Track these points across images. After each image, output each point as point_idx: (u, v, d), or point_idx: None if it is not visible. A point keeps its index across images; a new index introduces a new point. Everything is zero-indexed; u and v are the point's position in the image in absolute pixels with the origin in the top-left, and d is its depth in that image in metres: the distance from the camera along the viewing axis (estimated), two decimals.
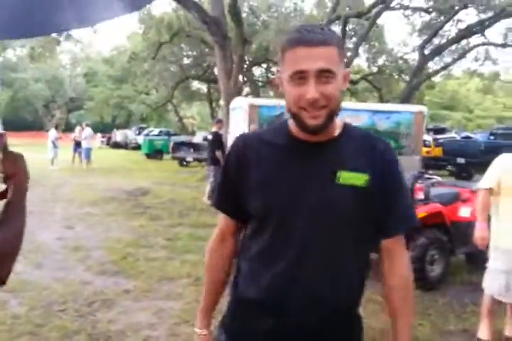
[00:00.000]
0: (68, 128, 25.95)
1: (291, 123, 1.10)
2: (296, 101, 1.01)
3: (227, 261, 1.24)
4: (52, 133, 13.98)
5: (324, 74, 0.98)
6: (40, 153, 14.05)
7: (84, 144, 13.82)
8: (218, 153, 8.36)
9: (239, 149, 1.15)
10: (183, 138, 20.68)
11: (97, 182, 10.62)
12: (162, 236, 5.77)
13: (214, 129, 9.09)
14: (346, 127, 1.12)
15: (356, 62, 20.81)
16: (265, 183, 1.07)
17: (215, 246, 1.24)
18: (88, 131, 14.14)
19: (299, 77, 0.99)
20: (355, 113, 11.16)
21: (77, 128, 14.96)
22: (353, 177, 1.05)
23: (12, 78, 34.91)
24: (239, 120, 12.06)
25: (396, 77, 21.89)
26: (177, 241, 5.52)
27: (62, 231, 5.82)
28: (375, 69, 22.39)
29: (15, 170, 1.06)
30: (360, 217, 1.07)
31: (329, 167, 1.06)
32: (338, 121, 1.10)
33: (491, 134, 14.07)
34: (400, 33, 52.65)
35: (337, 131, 1.10)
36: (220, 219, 1.24)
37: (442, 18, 17.37)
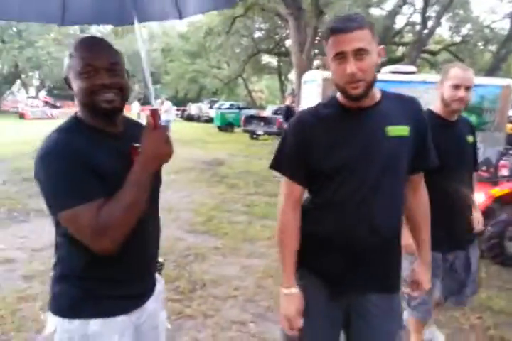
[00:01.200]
0: (145, 101, 27.42)
1: (338, 96, 1.37)
2: (340, 77, 1.28)
3: (299, 222, 1.41)
4: (136, 106, 14.94)
5: (360, 53, 1.24)
6: None
7: (164, 117, 14.62)
8: (285, 125, 8.54)
9: (300, 126, 1.37)
10: (253, 111, 21.03)
11: (178, 152, 11.07)
12: (241, 202, 6.20)
13: (287, 103, 9.25)
14: (383, 93, 1.40)
15: (438, 31, 19.53)
16: (333, 146, 1.33)
17: (291, 213, 1.40)
18: (168, 104, 14.91)
19: (340, 57, 1.25)
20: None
21: (157, 101, 15.81)
22: (398, 130, 1.34)
23: None
24: (311, 94, 12.06)
25: (481, 47, 20.28)
26: (255, 208, 5.91)
27: None
28: (458, 39, 20.87)
29: (143, 146, 1.11)
30: (406, 160, 1.37)
31: (378, 125, 1.34)
32: (377, 89, 1.36)
33: None
34: (488, 0, 47.74)
35: (378, 97, 1.37)
36: (289, 188, 1.40)
37: None
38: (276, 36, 22.89)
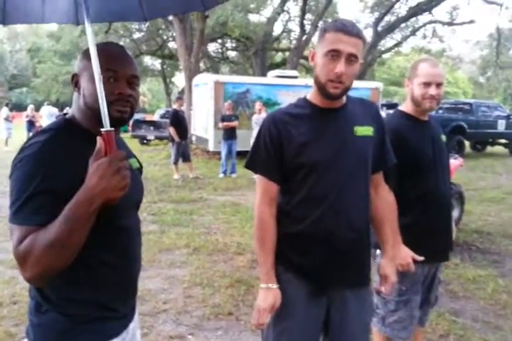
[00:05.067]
0: (14, 107, 24.35)
1: (310, 97, 1.44)
2: (326, 73, 1.33)
3: (275, 218, 1.44)
4: (5, 111, 13.25)
5: (351, 58, 1.32)
6: None
7: (45, 123, 13.24)
8: (172, 130, 8.43)
9: (273, 125, 1.40)
10: (140, 115, 20.21)
11: None
12: (147, 211, 5.91)
13: (175, 106, 9.03)
14: (347, 96, 1.46)
15: (314, 39, 21.06)
16: (307, 143, 1.37)
17: (267, 209, 1.43)
18: (50, 109, 13.51)
19: (333, 54, 1.31)
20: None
21: (30, 107, 14.27)
22: (365, 130, 1.43)
23: None
24: (203, 97, 12.06)
25: None
26: (163, 216, 5.70)
27: None
28: None
29: (87, 177, 0.92)
30: (370, 159, 1.44)
31: (348, 124, 1.41)
32: None
33: (439, 108, 15.01)
34: (352, 10, 53.22)
35: (344, 99, 1.44)
36: (264, 186, 1.44)
37: None
38: (159, 38, 22.34)
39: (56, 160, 0.98)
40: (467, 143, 14.19)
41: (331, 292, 1.43)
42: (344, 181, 1.38)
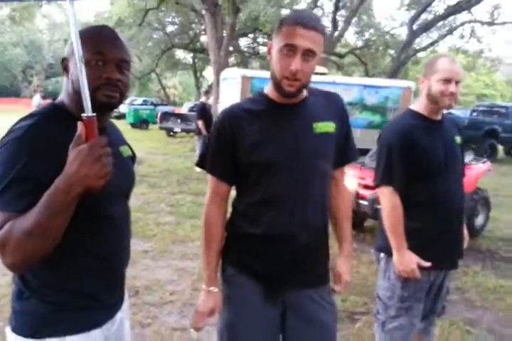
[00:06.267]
0: (47, 95, 25.14)
1: (268, 91, 1.35)
2: (281, 70, 1.24)
3: (224, 220, 1.39)
4: (37, 99, 13.67)
5: (308, 54, 1.22)
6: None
7: None
8: (200, 123, 8.47)
9: (227, 120, 1.33)
10: (168, 108, 20.49)
11: None
12: (165, 202, 5.96)
13: (202, 100, 9.07)
14: (309, 89, 1.36)
15: (346, 35, 20.71)
16: (261, 141, 1.29)
17: (216, 209, 1.37)
18: None
19: (289, 49, 1.21)
20: (347, 87, 11.33)
21: None
22: (325, 126, 1.33)
23: None
24: (230, 91, 12.04)
25: (382, 51, 21.95)
26: (181, 207, 5.73)
27: None
28: (361, 43, 22.34)
29: (67, 163, 0.88)
30: (331, 156, 1.37)
31: (306, 121, 1.32)
32: None
33: (473, 111, 14.49)
34: (387, 7, 52.06)
35: (305, 93, 1.34)
36: (214, 185, 1.37)
37: None
38: (191, 32, 22.48)
39: (40, 146, 0.96)
40: (501, 148, 13.65)
41: (286, 293, 1.37)
42: (301, 181, 1.31)
